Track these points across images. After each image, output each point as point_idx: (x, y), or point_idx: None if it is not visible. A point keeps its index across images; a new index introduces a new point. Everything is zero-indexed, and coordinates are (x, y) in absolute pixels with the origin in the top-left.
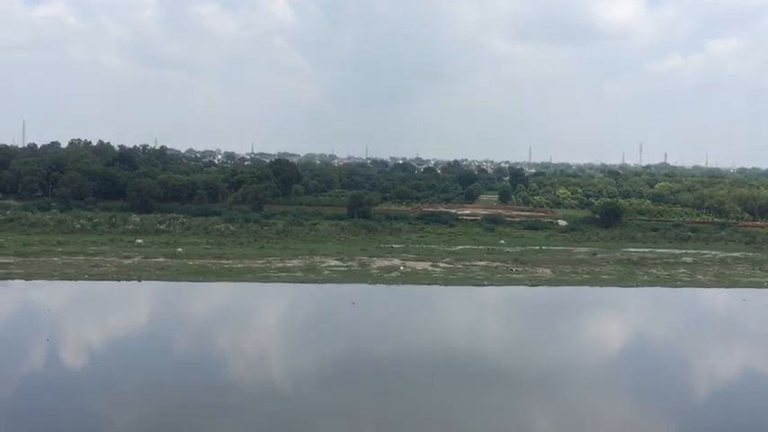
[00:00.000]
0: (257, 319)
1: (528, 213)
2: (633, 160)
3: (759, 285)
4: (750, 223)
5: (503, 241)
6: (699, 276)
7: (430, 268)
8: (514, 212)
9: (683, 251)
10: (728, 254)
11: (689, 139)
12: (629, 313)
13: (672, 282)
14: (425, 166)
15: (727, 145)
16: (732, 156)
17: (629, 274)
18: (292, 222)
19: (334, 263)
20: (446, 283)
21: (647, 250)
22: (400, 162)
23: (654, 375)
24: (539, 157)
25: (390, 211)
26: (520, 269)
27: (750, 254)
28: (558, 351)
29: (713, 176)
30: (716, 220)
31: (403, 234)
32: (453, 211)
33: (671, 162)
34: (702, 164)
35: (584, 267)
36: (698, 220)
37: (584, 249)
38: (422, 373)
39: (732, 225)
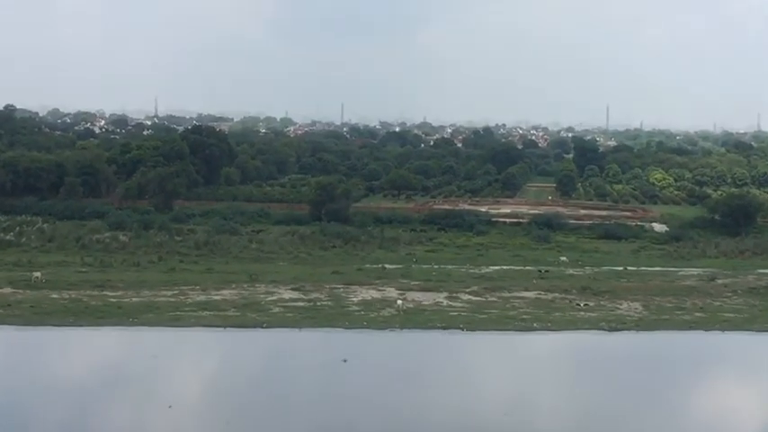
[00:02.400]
0: (155, 403)
1: (605, 213)
2: None
3: None
4: None
5: (564, 258)
6: None
7: (445, 303)
8: (582, 211)
9: None
10: None
11: None
12: None
13: None
14: (437, 136)
15: None
16: None
17: None
18: (221, 229)
19: (289, 295)
20: (471, 328)
21: None
22: (396, 130)
23: None
24: (621, 121)
25: (381, 209)
26: (592, 304)
27: None
28: None
29: None
30: None
31: (402, 247)
32: (483, 209)
33: None
34: None
35: (695, 300)
36: None
37: (695, 271)
38: None
39: None
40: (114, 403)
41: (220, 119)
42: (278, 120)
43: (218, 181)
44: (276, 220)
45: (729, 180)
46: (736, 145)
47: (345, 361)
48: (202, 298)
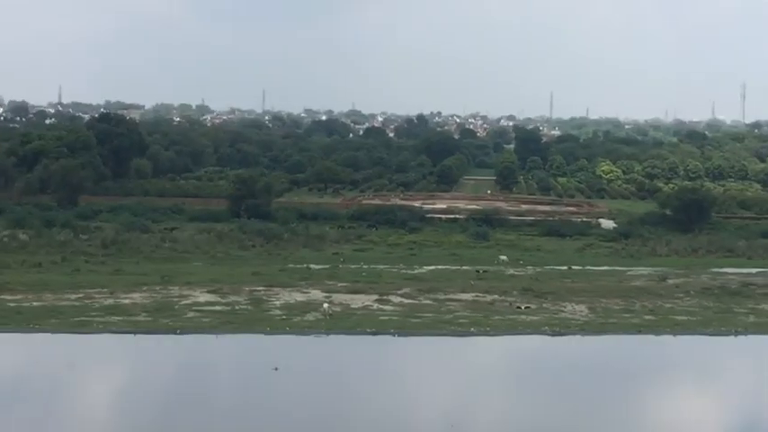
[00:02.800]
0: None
1: (548, 208)
2: (731, 113)
3: None
4: None
5: (504, 257)
6: None
7: (376, 306)
8: (524, 207)
9: None
10: None
11: None
12: (733, 388)
13: None
14: (367, 125)
15: None
16: None
17: (724, 314)
18: (131, 227)
19: (205, 298)
20: (404, 332)
21: (753, 271)
22: (322, 119)
23: None
24: (566, 109)
25: (306, 205)
26: (533, 306)
27: None
28: None
29: None
30: None
31: (328, 246)
32: (417, 204)
33: None
34: None
35: (645, 302)
36: None
37: (645, 270)
38: None
39: None
40: (9, 418)
41: (130, 106)
42: (193, 107)
43: (128, 174)
44: (191, 216)
45: (682, 173)
46: (690, 135)
47: (276, 369)
48: (110, 302)
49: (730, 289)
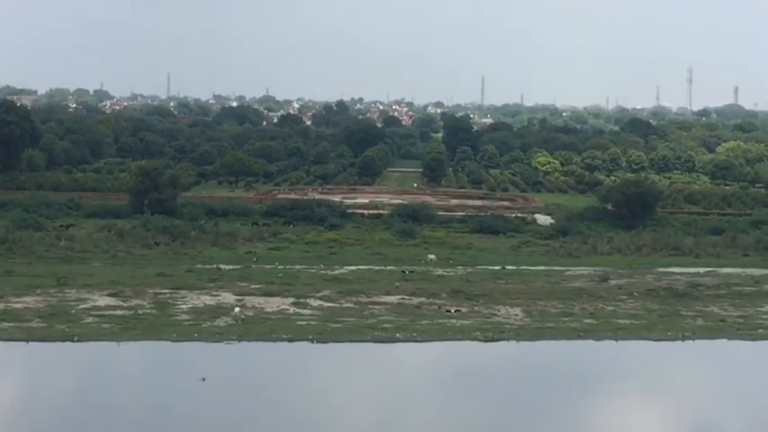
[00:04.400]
0: None
1: (480, 203)
2: (677, 100)
3: None
4: None
5: (432, 256)
6: None
7: (292, 310)
8: (454, 201)
9: None
10: None
11: None
12: (679, 397)
13: (748, 329)
14: (282, 112)
15: None
16: None
17: (670, 317)
18: (23, 224)
19: (105, 302)
20: (323, 339)
21: (701, 270)
22: (233, 105)
23: None
24: (499, 96)
25: (215, 199)
26: (464, 309)
27: None
28: None
29: None
30: None
31: (240, 245)
32: (337, 198)
33: (745, 102)
34: None
35: (585, 304)
36: None
37: (585, 270)
38: None
39: None
40: None
41: (21, 92)
42: (91, 93)
43: (19, 166)
44: (89, 212)
45: (624, 164)
46: (633, 123)
47: (204, 380)
48: (0, 306)
49: (677, 290)
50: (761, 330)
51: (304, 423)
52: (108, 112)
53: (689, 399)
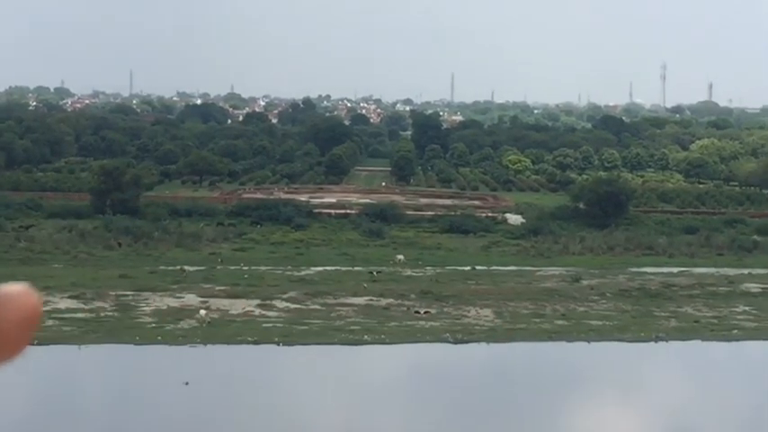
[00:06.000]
0: None
1: (450, 202)
2: (650, 96)
3: None
4: None
5: (400, 256)
6: None
7: (258, 312)
8: (423, 200)
9: (745, 271)
10: None
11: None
12: (653, 399)
13: (722, 330)
14: (248, 110)
15: None
16: None
17: (643, 318)
18: None
19: (66, 304)
20: (289, 341)
21: (675, 270)
22: (197, 103)
23: None
24: (469, 93)
25: (179, 199)
26: (433, 311)
27: None
28: None
29: None
30: None
31: (204, 245)
32: (304, 198)
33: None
34: None
35: (557, 305)
36: None
37: (556, 270)
38: None
39: None
40: None
41: None
42: (51, 90)
43: None
44: (50, 212)
45: (597, 162)
46: (605, 120)
47: (187, 384)
48: None
49: (650, 290)
50: (735, 331)
51: (269, 427)
52: (69, 110)
53: (662, 401)
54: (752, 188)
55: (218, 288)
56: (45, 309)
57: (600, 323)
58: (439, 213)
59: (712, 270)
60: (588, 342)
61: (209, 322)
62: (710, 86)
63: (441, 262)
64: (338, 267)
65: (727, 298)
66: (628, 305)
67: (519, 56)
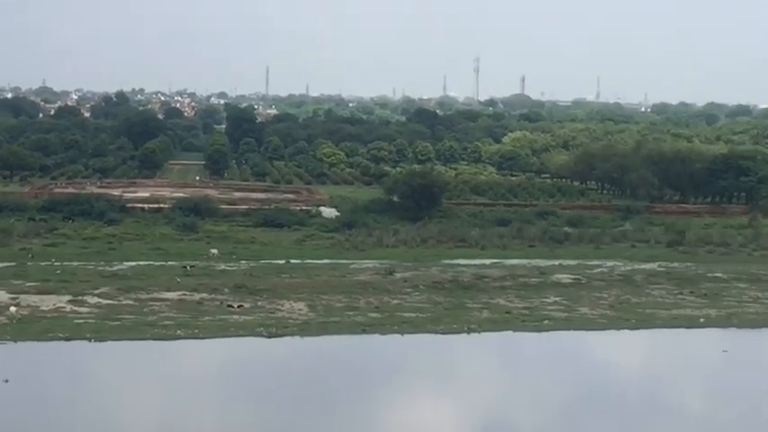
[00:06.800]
0: None
1: (264, 196)
2: (463, 90)
3: (690, 323)
4: (675, 206)
5: (214, 251)
6: (583, 309)
7: (69, 308)
8: (237, 194)
9: (556, 262)
10: (637, 265)
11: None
12: (464, 390)
13: (534, 321)
14: (59, 104)
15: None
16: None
17: (456, 309)
18: None
19: None
20: (101, 337)
21: (488, 262)
22: (8, 97)
23: None
24: (284, 87)
25: None
26: (247, 305)
27: (675, 264)
28: None
29: (612, 117)
30: (616, 202)
31: (15, 241)
32: (116, 192)
33: (531, 92)
34: (589, 97)
35: (370, 298)
36: (583, 203)
37: (370, 263)
38: None
39: (645, 210)
40: None
41: None
42: None
43: None
44: None
45: (411, 155)
46: (419, 113)
47: (7, 381)
48: None
49: (462, 282)
50: (546, 322)
51: (78, 424)
52: None
53: (472, 392)
54: (563, 180)
55: (28, 284)
56: None
57: (413, 315)
58: (253, 207)
59: (524, 261)
60: (401, 334)
61: (19, 319)
62: (523, 79)
63: (255, 256)
64: (151, 262)
65: (539, 289)
66: (441, 297)
67: (334, 50)
